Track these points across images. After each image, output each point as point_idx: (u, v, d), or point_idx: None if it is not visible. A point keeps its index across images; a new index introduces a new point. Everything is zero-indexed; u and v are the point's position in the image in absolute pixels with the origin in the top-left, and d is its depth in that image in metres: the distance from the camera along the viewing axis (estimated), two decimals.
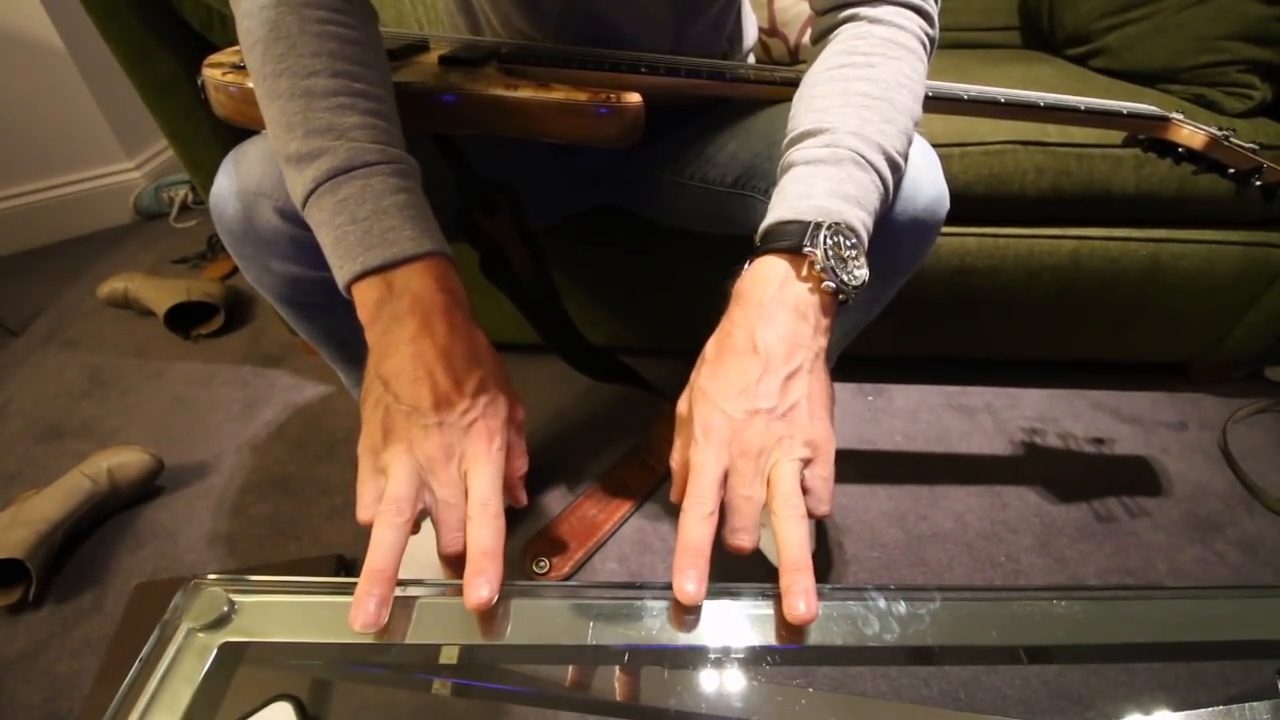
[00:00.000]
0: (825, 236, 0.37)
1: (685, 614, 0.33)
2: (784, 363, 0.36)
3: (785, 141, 0.44)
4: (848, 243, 0.38)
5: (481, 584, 0.33)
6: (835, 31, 0.48)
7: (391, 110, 0.42)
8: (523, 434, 0.41)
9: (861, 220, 0.39)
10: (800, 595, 0.32)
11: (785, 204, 0.40)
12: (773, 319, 0.37)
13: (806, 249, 0.37)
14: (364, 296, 0.38)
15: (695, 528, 0.33)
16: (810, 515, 0.35)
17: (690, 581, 0.33)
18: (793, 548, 0.33)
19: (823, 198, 0.39)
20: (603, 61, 0.54)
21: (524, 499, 0.41)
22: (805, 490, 0.35)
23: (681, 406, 0.39)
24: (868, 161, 0.40)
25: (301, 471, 0.97)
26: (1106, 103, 0.58)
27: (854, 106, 0.42)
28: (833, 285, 0.37)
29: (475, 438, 0.37)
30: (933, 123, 0.80)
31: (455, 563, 0.36)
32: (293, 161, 0.39)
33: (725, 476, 0.35)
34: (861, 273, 0.38)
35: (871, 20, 0.46)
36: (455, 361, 0.38)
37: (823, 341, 0.38)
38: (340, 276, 0.39)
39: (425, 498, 0.36)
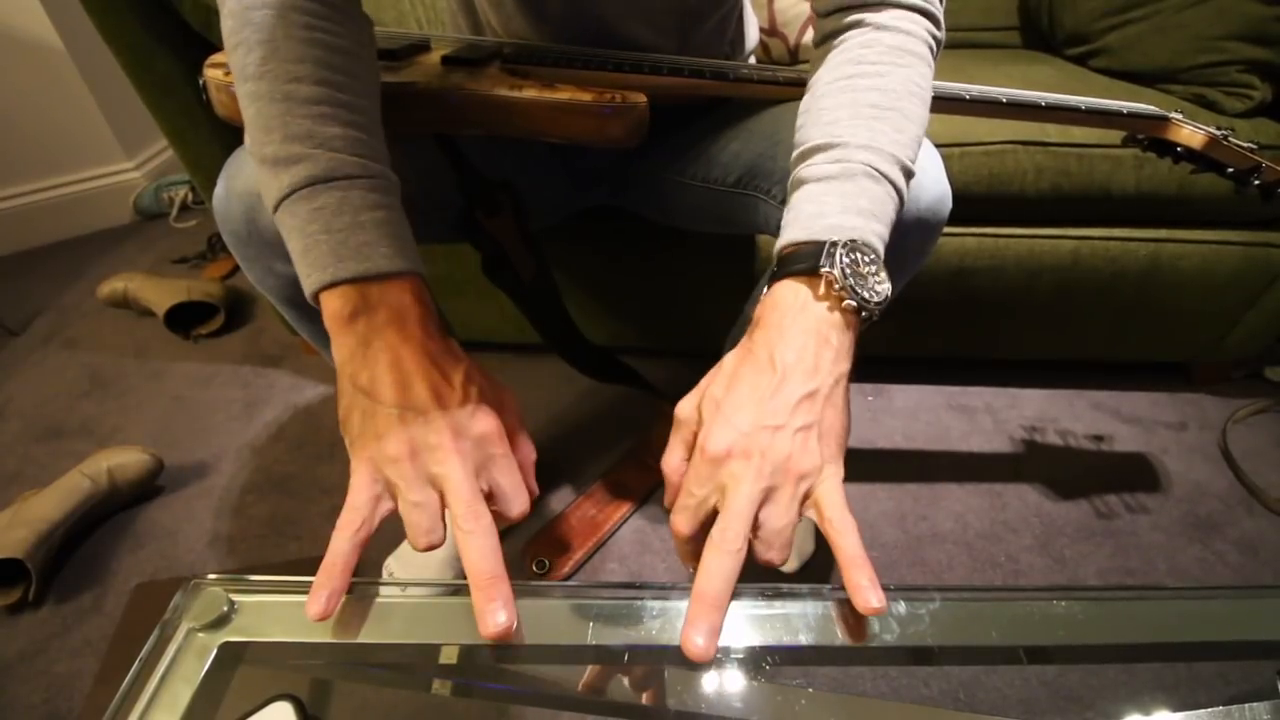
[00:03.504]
0: (842, 254, 0.36)
1: (692, 665, 0.32)
2: (802, 382, 0.35)
3: (795, 155, 0.43)
4: (865, 258, 0.37)
5: (498, 608, 0.32)
6: (841, 37, 0.46)
7: (375, 124, 0.42)
8: (521, 420, 0.41)
9: (878, 234, 0.39)
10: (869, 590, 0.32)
11: (799, 225, 0.39)
12: (792, 342, 0.36)
13: (824, 269, 0.36)
14: (334, 306, 0.38)
15: (717, 569, 0.32)
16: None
17: (701, 635, 0.31)
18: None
19: (837, 215, 0.38)
20: (606, 61, 0.54)
21: (535, 487, 0.40)
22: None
23: (683, 409, 0.38)
24: (881, 174, 0.40)
25: (301, 471, 0.97)
26: (1107, 102, 0.58)
27: (864, 119, 0.41)
28: (854, 303, 0.36)
29: (481, 423, 0.37)
30: (933, 123, 0.79)
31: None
32: (268, 164, 0.39)
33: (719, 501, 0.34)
34: (883, 287, 0.37)
35: (878, 27, 0.45)
36: (438, 360, 0.38)
37: (845, 366, 0.37)
38: (308, 284, 0.38)
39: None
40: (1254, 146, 0.60)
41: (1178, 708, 0.37)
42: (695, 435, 0.37)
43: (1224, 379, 1.10)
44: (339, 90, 0.40)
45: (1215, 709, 0.37)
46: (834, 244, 0.36)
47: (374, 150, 0.41)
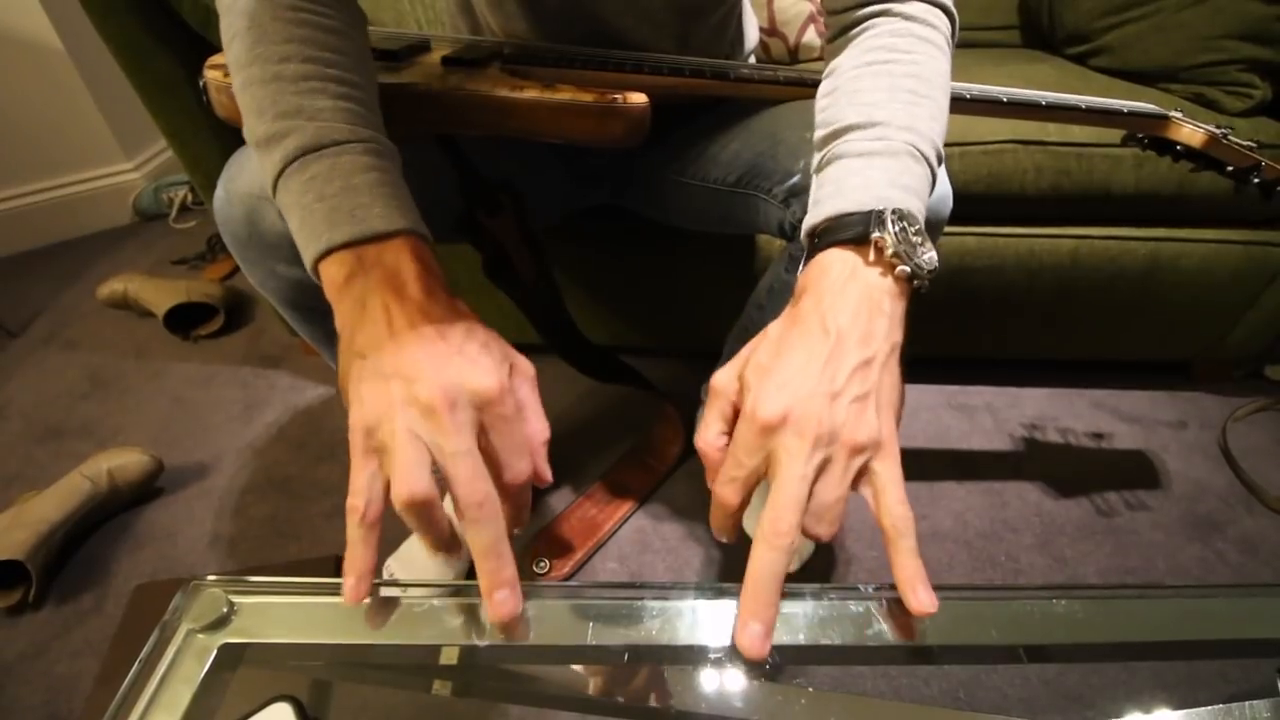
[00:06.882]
0: (892, 221, 0.35)
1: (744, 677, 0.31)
2: (858, 349, 0.34)
3: (825, 134, 0.42)
4: (913, 228, 0.36)
5: (505, 597, 0.31)
6: (864, 26, 0.46)
7: (369, 97, 0.41)
8: (534, 392, 0.38)
9: (920, 211, 0.38)
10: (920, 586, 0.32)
11: (842, 196, 0.38)
12: (844, 307, 0.35)
13: (875, 235, 0.35)
14: (331, 273, 0.36)
15: (769, 564, 0.30)
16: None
17: (756, 635, 0.30)
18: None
19: (883, 187, 0.37)
20: (606, 62, 0.54)
21: (548, 474, 0.36)
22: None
23: (720, 378, 0.36)
24: (921, 155, 0.39)
25: (301, 472, 0.97)
26: (1107, 101, 0.58)
27: (903, 102, 0.41)
28: (907, 269, 0.35)
29: (478, 380, 0.33)
30: None
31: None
32: (262, 145, 0.38)
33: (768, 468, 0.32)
34: (931, 255, 0.36)
35: (906, 17, 0.45)
36: (435, 318, 0.35)
37: (898, 336, 0.36)
38: (306, 256, 0.37)
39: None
40: (1253, 145, 0.60)
41: (1178, 706, 0.37)
42: (734, 407, 0.35)
43: (1224, 377, 1.10)
44: (327, 66, 0.39)
45: (1215, 707, 0.37)
46: (882, 211, 0.36)
47: (365, 119, 0.40)
